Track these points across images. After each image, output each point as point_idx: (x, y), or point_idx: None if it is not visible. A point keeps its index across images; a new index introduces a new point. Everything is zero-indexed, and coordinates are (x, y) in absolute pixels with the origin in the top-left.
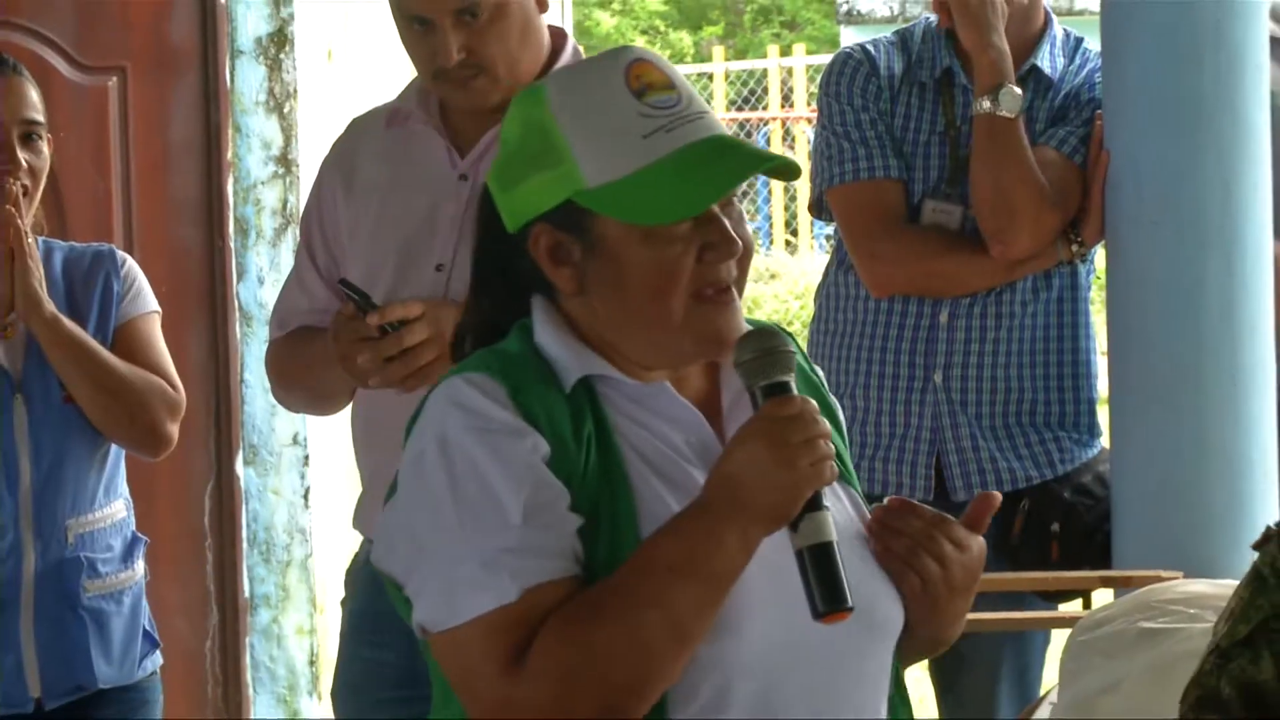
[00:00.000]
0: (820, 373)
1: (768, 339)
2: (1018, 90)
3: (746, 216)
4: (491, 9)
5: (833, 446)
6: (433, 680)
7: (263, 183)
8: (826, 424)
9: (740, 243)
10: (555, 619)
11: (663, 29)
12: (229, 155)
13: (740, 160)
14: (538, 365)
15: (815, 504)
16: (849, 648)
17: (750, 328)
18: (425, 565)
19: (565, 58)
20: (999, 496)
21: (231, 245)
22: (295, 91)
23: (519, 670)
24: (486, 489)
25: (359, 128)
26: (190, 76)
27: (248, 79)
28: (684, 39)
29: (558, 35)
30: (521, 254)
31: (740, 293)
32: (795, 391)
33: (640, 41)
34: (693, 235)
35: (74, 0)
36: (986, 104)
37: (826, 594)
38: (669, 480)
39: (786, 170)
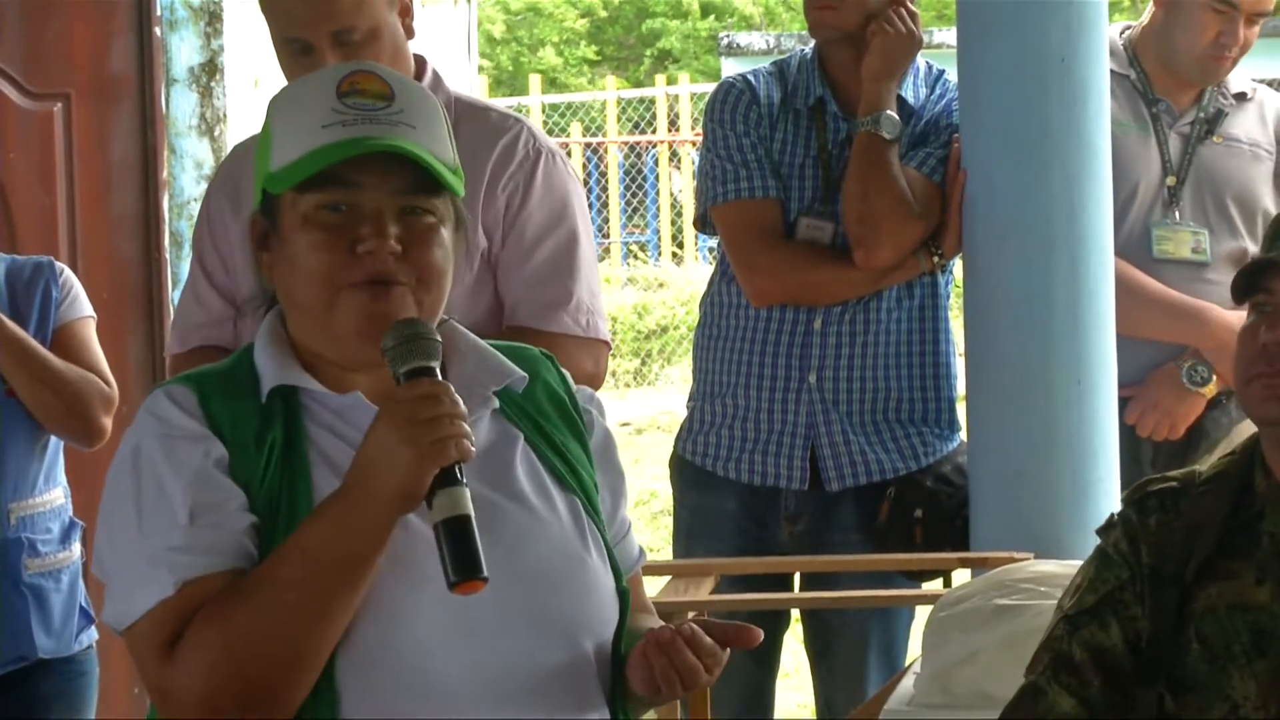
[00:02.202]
0: (571, 384)
1: (411, 327)
2: (896, 117)
3: (641, 230)
4: (366, 32)
5: (464, 425)
6: None
7: (195, 199)
8: (459, 404)
9: (391, 240)
10: (203, 609)
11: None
12: (164, 174)
13: (372, 145)
14: (242, 376)
15: (450, 480)
16: (522, 638)
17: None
18: (112, 566)
19: (425, 82)
20: (759, 635)
21: (166, 256)
22: (225, 116)
23: (172, 660)
24: (161, 491)
25: (241, 152)
26: (129, 103)
27: (181, 105)
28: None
29: (420, 62)
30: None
31: (422, 306)
32: (437, 377)
33: (535, 77)
34: (346, 226)
35: (23, 33)
36: (869, 125)
37: (458, 565)
38: None
39: (434, 182)
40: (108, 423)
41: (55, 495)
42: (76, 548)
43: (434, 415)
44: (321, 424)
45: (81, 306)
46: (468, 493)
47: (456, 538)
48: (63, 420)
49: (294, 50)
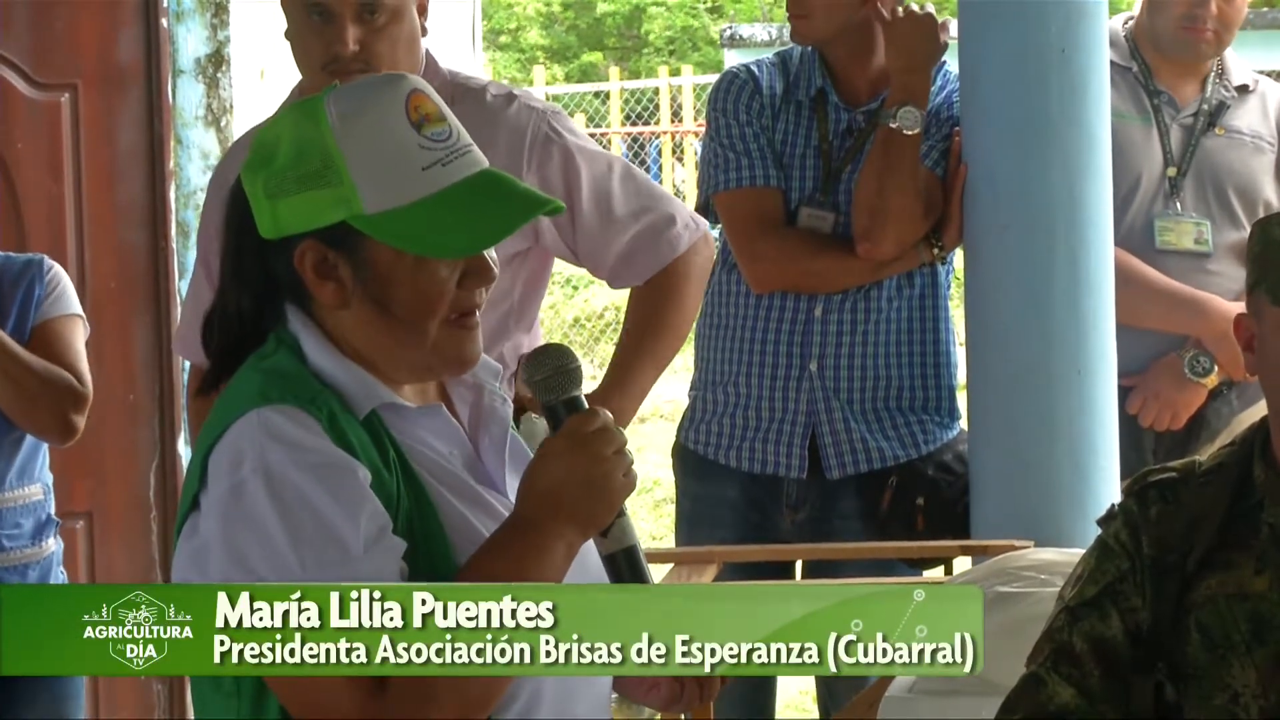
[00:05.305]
0: None
1: (559, 357)
2: (918, 111)
3: None
4: (389, 12)
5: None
6: (206, 695)
7: (201, 189)
8: (624, 433)
9: (495, 270)
10: None
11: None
12: (171, 165)
13: (516, 204)
14: (317, 389)
15: (620, 510)
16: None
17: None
18: None
19: (422, 66)
20: None
21: (173, 246)
22: (231, 107)
23: (383, 693)
24: (322, 523)
25: (240, 148)
26: (136, 93)
27: (188, 95)
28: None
29: (430, 59)
30: (276, 257)
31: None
32: (585, 405)
33: (540, 69)
34: (456, 262)
35: (30, 24)
36: (892, 122)
37: None
38: (459, 494)
39: (554, 212)
40: (78, 420)
41: (31, 491)
42: (50, 543)
43: (619, 448)
44: (406, 435)
45: (65, 304)
46: (631, 521)
47: (633, 566)
48: (28, 415)
49: (314, 16)
